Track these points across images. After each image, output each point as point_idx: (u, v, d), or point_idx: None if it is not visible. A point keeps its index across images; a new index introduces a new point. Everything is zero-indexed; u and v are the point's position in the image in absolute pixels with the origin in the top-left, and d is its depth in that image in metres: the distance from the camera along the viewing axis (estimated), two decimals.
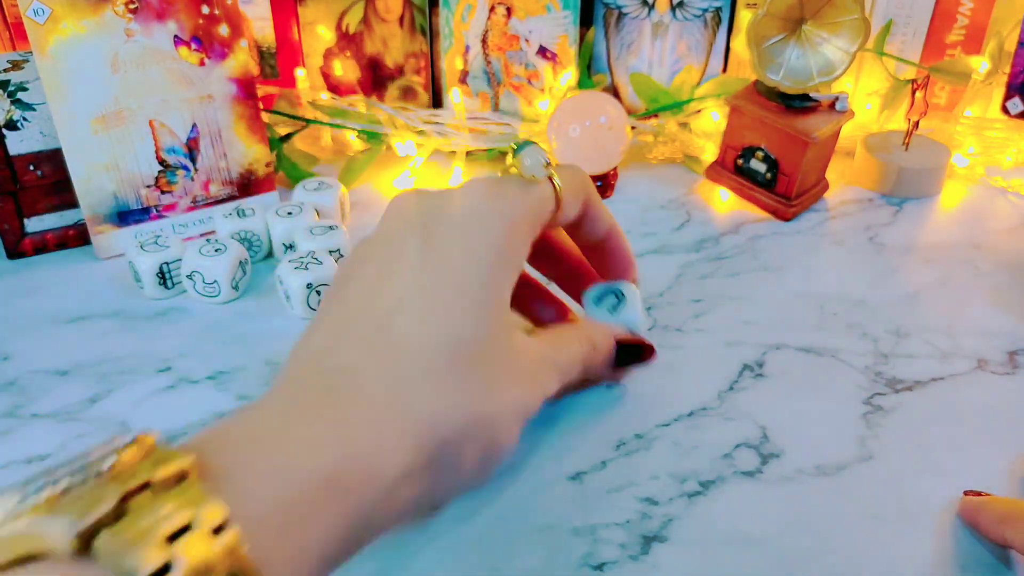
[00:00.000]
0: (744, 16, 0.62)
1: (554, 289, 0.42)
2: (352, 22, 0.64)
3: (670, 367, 0.43)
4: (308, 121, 0.63)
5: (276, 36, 0.65)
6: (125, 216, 0.52)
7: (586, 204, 0.35)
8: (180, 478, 0.20)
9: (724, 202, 0.59)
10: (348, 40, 0.65)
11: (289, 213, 0.51)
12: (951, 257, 0.53)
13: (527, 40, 0.63)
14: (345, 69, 0.66)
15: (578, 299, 0.41)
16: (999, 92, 0.63)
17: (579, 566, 0.32)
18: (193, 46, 0.50)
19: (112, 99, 0.49)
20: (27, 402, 0.41)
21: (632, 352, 0.39)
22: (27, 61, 0.50)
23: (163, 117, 0.51)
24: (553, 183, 0.32)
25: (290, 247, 0.51)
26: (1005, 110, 0.62)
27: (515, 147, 0.32)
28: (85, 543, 0.18)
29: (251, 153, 0.54)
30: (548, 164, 0.32)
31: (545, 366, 0.32)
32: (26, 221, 0.52)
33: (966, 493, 0.34)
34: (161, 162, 0.52)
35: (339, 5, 0.64)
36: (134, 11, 0.48)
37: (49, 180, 0.51)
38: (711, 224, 0.56)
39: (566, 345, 0.35)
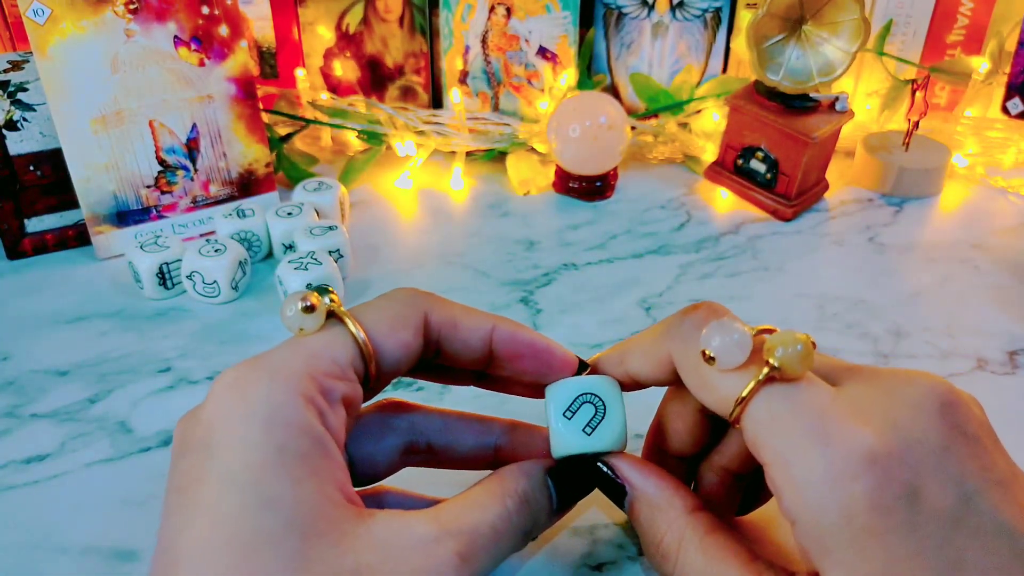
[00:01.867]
0: (744, 16, 0.62)
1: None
2: (352, 22, 0.64)
3: None
4: (308, 121, 0.63)
5: (276, 36, 0.65)
6: (125, 216, 0.52)
7: (427, 325, 0.28)
8: None
9: (724, 202, 0.59)
10: (348, 40, 0.65)
11: (289, 213, 0.51)
12: (951, 257, 0.53)
13: (527, 40, 0.63)
14: (345, 69, 0.66)
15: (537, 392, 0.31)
16: (999, 92, 0.63)
17: (578, 566, 0.32)
18: (193, 46, 0.50)
19: (112, 99, 0.49)
20: (26, 402, 0.41)
21: (581, 484, 0.30)
22: (27, 61, 0.50)
23: (163, 117, 0.51)
24: (345, 323, 0.27)
25: (290, 247, 0.51)
26: (1005, 110, 0.62)
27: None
28: None
29: (251, 153, 0.54)
30: (311, 308, 0.26)
31: (435, 548, 0.24)
32: (26, 221, 0.52)
33: None
34: (161, 162, 0.52)
35: (339, 5, 0.64)
36: (134, 11, 0.48)
37: (49, 180, 0.51)
38: (711, 224, 0.56)
39: (473, 512, 0.26)
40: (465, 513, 0.26)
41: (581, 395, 0.29)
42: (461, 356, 0.29)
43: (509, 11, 0.62)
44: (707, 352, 0.26)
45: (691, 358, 0.27)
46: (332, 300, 0.27)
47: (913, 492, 0.22)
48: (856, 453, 0.23)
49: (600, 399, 0.29)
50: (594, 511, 0.35)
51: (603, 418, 0.29)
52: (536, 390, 0.31)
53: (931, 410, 0.24)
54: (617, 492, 0.29)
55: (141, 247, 0.48)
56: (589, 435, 0.28)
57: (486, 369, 0.30)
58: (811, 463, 0.23)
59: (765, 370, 0.25)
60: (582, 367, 0.30)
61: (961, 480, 0.23)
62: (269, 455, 0.24)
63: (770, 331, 0.26)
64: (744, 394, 0.25)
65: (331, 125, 0.63)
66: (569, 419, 0.28)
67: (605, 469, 0.29)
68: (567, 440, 0.28)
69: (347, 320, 0.27)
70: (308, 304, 0.26)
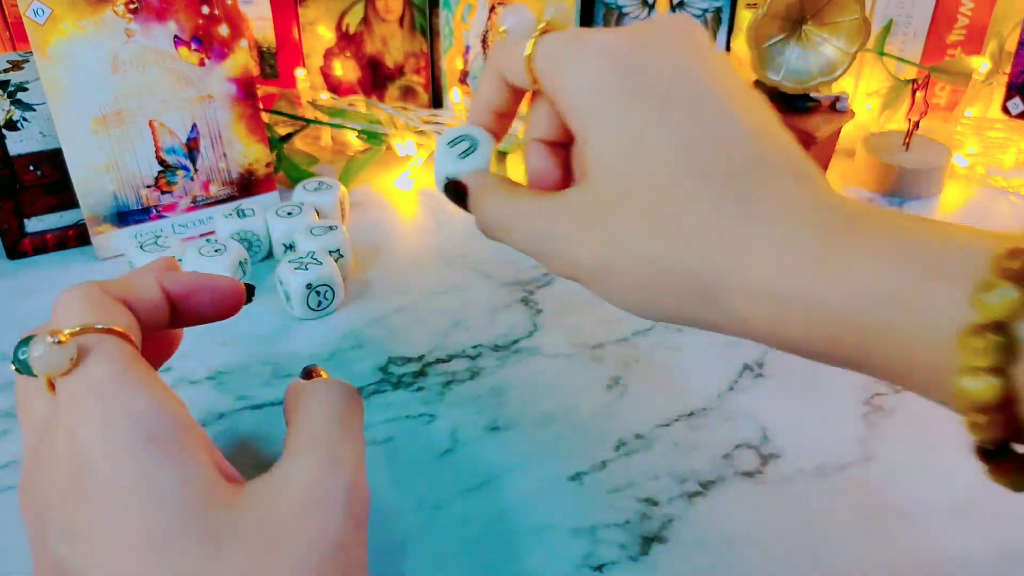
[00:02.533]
0: (744, 16, 0.62)
1: None
2: (352, 22, 0.64)
3: (670, 367, 0.43)
4: (308, 121, 0.63)
5: (276, 36, 0.65)
6: (125, 216, 0.52)
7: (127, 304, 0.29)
8: None
9: None
10: (348, 40, 0.65)
11: (289, 213, 0.51)
12: None
13: None
14: (345, 69, 0.66)
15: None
16: (999, 92, 0.63)
17: (579, 567, 0.32)
18: (193, 46, 0.50)
19: (112, 99, 0.49)
20: None
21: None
22: (27, 61, 0.50)
23: (163, 117, 0.51)
24: (109, 331, 0.26)
25: (290, 247, 0.51)
26: (1006, 110, 0.62)
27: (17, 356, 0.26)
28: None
29: (251, 153, 0.54)
30: (59, 342, 0.24)
31: (327, 480, 0.25)
32: (26, 221, 0.52)
33: None
34: (161, 162, 0.52)
35: (339, 5, 0.64)
36: (134, 11, 0.48)
37: (49, 180, 0.51)
38: None
39: (334, 440, 0.27)
40: (334, 446, 0.27)
41: (461, 136, 0.36)
42: (153, 317, 0.30)
43: None
44: (502, 29, 0.31)
45: (503, 58, 0.31)
46: (60, 333, 0.25)
47: (641, 68, 0.27)
48: (600, 48, 0.28)
49: (475, 139, 0.35)
50: (594, 511, 0.35)
51: (473, 151, 0.35)
52: (217, 316, 0.33)
53: (661, 25, 0.29)
54: (462, 196, 0.34)
55: (141, 247, 0.48)
56: (461, 160, 0.35)
57: (174, 316, 0.31)
58: (570, 68, 0.28)
59: (540, 26, 0.30)
60: (251, 291, 0.34)
61: (675, 57, 0.28)
62: (148, 455, 0.23)
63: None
64: (529, 48, 0.29)
65: (331, 125, 0.63)
66: (450, 145, 0.35)
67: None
68: (446, 162, 0.35)
69: (106, 327, 0.26)
70: (56, 340, 0.24)
